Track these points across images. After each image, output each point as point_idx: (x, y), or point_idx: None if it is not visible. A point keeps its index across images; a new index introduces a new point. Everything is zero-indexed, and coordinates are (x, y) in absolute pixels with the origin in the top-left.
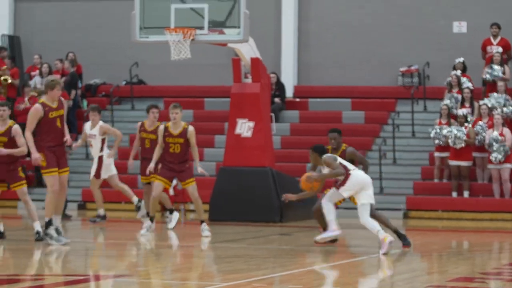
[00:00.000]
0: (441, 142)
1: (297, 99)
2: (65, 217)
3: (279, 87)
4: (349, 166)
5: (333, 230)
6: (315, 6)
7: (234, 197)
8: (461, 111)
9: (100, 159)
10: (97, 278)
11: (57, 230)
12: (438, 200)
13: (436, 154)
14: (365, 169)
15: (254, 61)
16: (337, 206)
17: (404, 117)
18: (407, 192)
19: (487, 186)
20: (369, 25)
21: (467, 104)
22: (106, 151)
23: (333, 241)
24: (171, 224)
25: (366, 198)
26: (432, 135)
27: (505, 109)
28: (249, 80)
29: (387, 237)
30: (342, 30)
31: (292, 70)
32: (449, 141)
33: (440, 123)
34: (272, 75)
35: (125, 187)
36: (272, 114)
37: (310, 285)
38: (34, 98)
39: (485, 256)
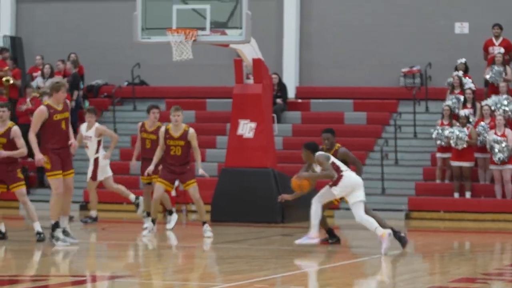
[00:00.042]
0: (443, 143)
1: (299, 100)
2: None
3: (281, 88)
4: (342, 167)
5: (312, 238)
6: (317, 7)
7: (236, 198)
8: (463, 112)
9: (96, 161)
10: (98, 279)
11: (64, 232)
12: (440, 201)
13: (438, 155)
14: (359, 171)
15: (256, 62)
16: (336, 206)
17: (406, 118)
18: (409, 193)
19: (489, 187)
20: (371, 25)
21: (469, 105)
22: (102, 153)
23: (336, 242)
24: (170, 225)
25: (358, 196)
26: (434, 136)
27: (507, 108)
28: (251, 81)
29: (385, 232)
30: (345, 31)
31: (294, 71)
32: (451, 142)
33: (442, 124)
34: (274, 76)
35: (121, 188)
36: (274, 115)
37: (312, 286)
38: (36, 99)
39: (487, 257)
